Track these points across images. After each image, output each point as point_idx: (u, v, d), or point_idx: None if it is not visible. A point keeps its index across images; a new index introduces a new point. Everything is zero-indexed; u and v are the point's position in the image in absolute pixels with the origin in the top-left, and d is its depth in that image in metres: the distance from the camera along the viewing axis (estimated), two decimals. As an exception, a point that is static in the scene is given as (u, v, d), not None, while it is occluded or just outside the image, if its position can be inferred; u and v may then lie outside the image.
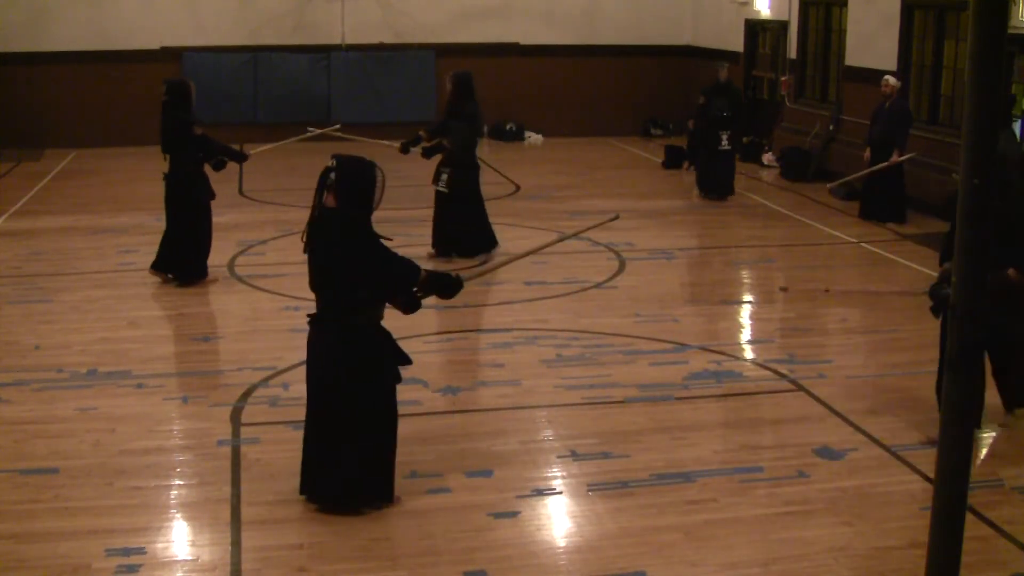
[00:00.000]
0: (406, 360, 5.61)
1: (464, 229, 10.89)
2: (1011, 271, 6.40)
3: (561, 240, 7.32)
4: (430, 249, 10.90)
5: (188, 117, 9.77)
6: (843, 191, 13.79)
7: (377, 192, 5.42)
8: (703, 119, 14.46)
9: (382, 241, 5.39)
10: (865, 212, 12.95)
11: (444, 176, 10.82)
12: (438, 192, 10.92)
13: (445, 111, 11.14)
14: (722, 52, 18.83)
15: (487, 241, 11.02)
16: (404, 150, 11.49)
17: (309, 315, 5.58)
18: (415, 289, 5.54)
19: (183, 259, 9.93)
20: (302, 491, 5.66)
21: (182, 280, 9.92)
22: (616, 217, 7.66)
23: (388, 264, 5.38)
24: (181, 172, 9.81)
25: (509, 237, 11.94)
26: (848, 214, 13.18)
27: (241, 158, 10.37)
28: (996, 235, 6.01)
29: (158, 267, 9.99)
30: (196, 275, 9.98)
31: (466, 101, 10.80)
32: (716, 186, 14.14)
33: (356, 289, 5.37)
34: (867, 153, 12.86)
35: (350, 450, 5.47)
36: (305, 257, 5.51)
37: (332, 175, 5.36)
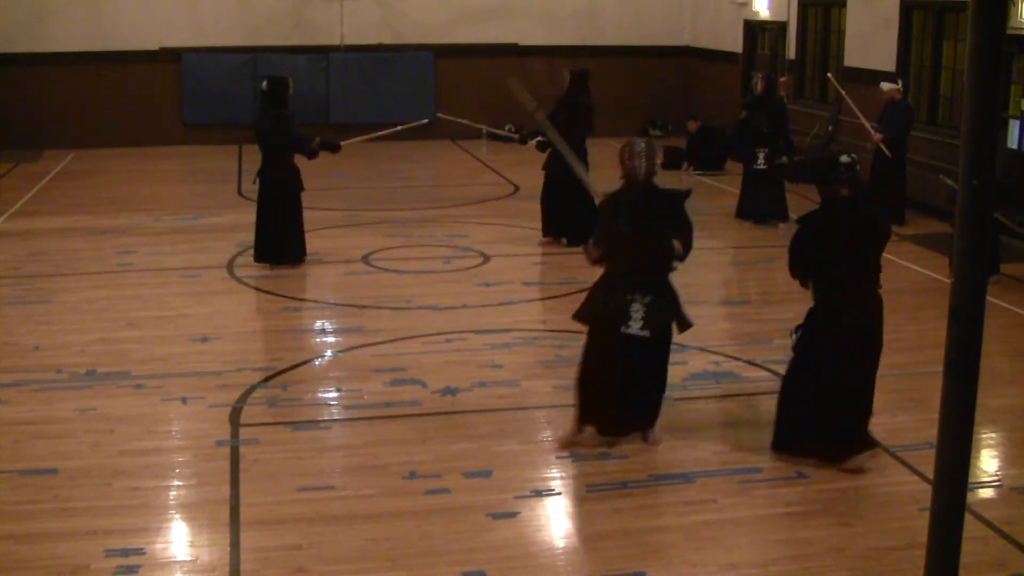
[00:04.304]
0: None
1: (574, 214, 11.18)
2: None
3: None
4: (542, 237, 11.56)
5: (285, 113, 10.18)
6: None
7: None
8: (743, 134, 12.89)
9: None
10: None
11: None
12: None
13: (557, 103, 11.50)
14: (721, 53, 18.86)
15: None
16: (522, 141, 12.35)
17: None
18: None
19: (278, 247, 10.33)
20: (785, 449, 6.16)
21: (277, 262, 10.33)
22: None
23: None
24: (276, 167, 10.26)
25: (509, 238, 11.95)
26: (847, 215, 13.13)
27: (334, 147, 10.68)
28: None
29: (262, 259, 10.40)
30: (294, 257, 10.34)
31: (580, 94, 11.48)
32: (752, 210, 12.79)
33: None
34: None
35: (861, 404, 6.05)
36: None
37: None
